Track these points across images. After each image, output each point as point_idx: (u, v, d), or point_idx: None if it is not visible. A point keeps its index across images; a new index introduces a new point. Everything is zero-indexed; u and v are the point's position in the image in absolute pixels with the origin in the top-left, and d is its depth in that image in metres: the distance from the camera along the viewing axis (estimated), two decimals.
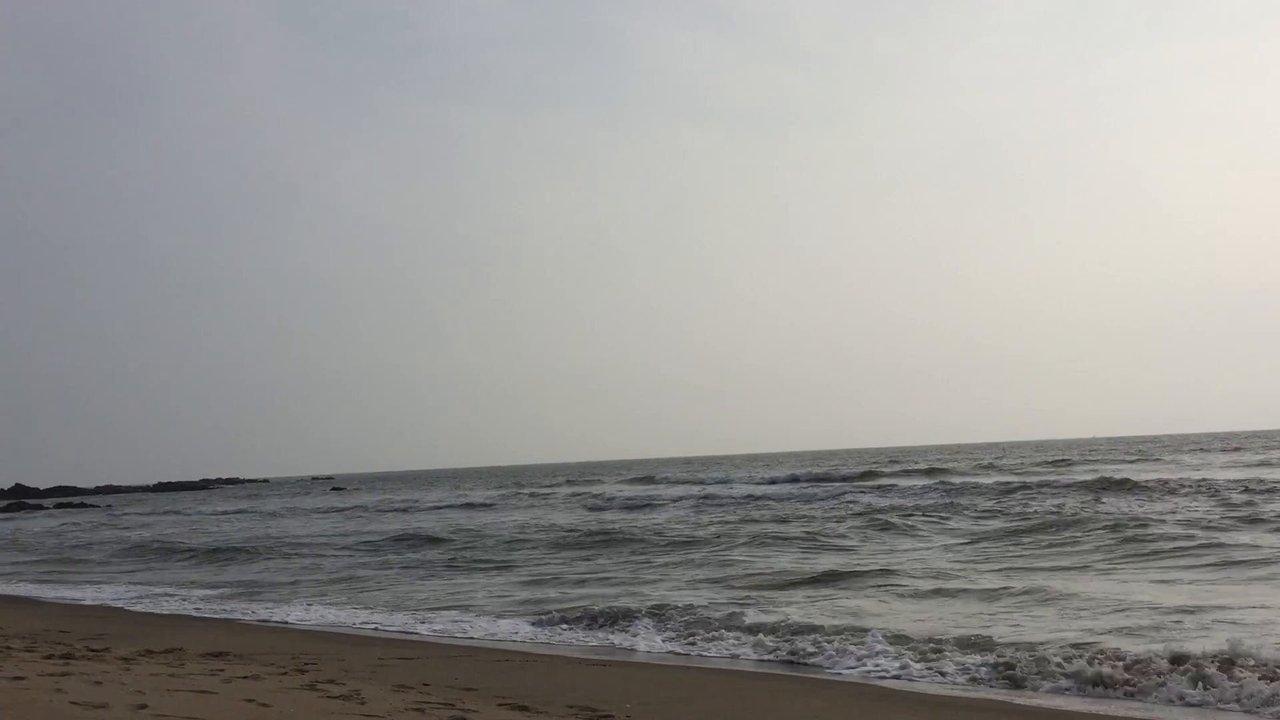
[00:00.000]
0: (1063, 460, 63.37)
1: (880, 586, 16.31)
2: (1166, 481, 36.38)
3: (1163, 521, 22.90)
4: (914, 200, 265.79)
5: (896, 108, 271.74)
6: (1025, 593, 14.71)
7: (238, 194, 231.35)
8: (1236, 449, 72.08)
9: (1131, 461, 60.10)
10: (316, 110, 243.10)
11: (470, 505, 51.06)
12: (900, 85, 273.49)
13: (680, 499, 44.17)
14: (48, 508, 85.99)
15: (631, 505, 42.51)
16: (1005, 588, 15.21)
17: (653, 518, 34.86)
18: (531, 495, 57.34)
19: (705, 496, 44.89)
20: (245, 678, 9.22)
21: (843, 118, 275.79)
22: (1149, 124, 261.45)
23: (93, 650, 11.07)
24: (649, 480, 68.57)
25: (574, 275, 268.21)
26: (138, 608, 18.45)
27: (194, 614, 17.40)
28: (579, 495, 54.19)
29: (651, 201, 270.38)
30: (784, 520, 29.94)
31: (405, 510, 50.24)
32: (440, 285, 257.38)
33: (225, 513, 57.48)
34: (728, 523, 29.92)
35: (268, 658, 11.08)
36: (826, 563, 19.54)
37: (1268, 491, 30.27)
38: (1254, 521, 22.53)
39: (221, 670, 9.70)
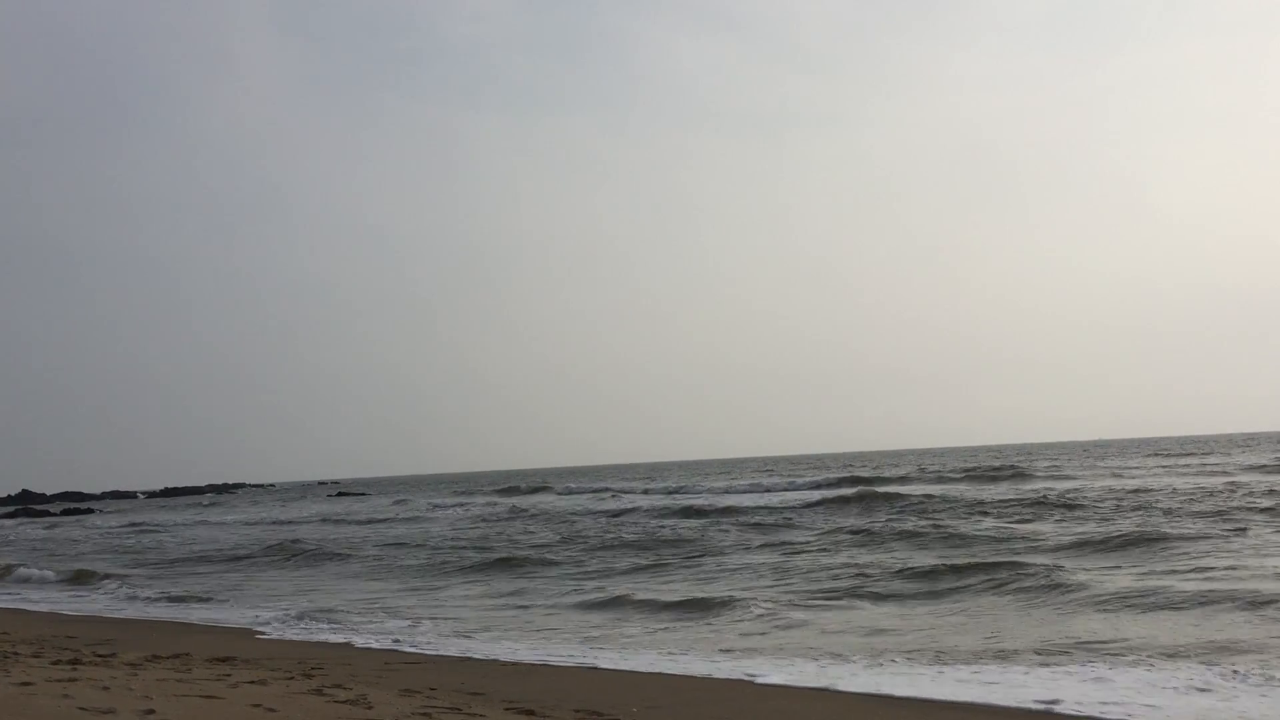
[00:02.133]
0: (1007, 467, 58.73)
1: None
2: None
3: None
4: (917, 202, 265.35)
5: (900, 109, 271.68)
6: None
7: (243, 199, 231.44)
8: (1204, 452, 71.73)
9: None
10: (321, 115, 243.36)
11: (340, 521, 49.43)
12: (904, 86, 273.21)
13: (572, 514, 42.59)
14: (54, 513, 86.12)
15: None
16: None
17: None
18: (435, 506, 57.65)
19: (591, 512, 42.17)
20: (252, 683, 9.24)
21: (847, 119, 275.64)
22: (1152, 124, 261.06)
23: (100, 656, 11.09)
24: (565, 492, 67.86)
25: (579, 278, 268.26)
26: None
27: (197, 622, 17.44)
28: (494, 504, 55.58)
29: (656, 204, 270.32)
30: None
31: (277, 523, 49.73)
32: (447, 289, 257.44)
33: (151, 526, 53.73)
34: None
35: (275, 663, 11.10)
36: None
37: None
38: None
39: (228, 675, 9.72)
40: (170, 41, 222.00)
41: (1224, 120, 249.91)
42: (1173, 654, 10.73)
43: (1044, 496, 34.11)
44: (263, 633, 15.14)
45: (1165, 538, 20.41)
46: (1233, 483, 36.46)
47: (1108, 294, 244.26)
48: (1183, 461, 59.93)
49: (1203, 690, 9.15)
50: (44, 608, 19.40)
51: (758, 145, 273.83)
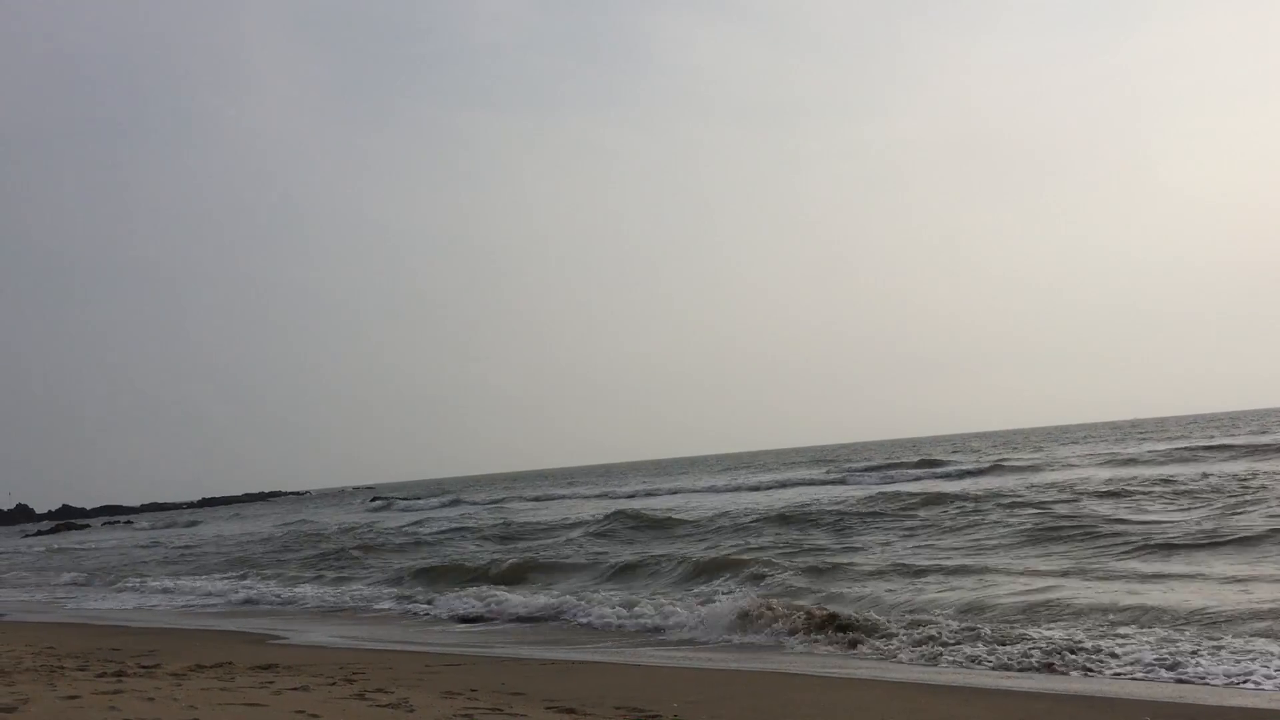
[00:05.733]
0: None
1: None
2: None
3: None
4: (932, 189, 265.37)
5: (916, 96, 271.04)
6: None
7: (262, 209, 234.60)
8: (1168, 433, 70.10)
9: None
10: (336, 120, 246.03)
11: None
12: (920, 74, 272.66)
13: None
14: (94, 526, 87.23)
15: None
16: None
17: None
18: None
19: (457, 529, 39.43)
20: (295, 689, 9.30)
21: (862, 107, 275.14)
22: (1168, 104, 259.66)
23: (144, 667, 11.19)
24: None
25: (594, 276, 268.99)
26: None
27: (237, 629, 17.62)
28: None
29: (670, 199, 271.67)
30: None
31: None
32: (461, 292, 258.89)
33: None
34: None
35: (316, 668, 11.18)
36: None
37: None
38: None
39: (271, 682, 9.80)
40: (183, 49, 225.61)
41: (1236, 98, 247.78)
42: None
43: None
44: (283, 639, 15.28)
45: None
46: (1112, 479, 33.37)
47: (1123, 276, 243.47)
48: (1145, 449, 54.00)
49: None
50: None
51: (771, 137, 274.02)
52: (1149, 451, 49.30)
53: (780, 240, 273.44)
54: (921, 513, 26.68)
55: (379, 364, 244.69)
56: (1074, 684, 9.36)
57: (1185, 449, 48.00)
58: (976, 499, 28.68)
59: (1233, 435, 60.39)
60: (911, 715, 8.19)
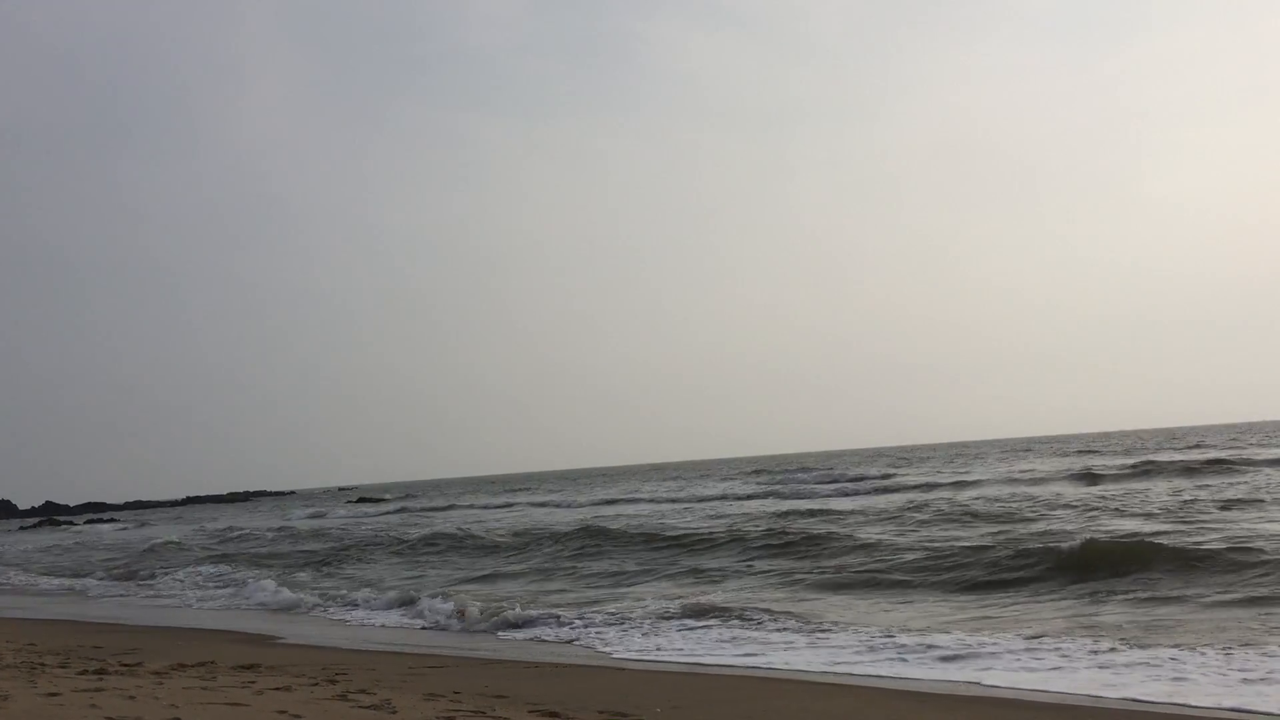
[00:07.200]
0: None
1: None
2: None
3: None
4: (923, 196, 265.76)
5: (910, 103, 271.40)
6: None
7: (252, 208, 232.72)
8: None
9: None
10: (330, 122, 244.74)
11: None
12: (915, 81, 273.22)
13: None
14: (77, 524, 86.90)
15: None
16: None
17: None
18: None
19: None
20: (277, 689, 9.28)
21: (856, 114, 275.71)
22: (1163, 112, 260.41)
23: (126, 665, 11.14)
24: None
25: (589, 279, 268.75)
26: None
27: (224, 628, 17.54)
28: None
29: (663, 204, 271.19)
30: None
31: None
32: (455, 294, 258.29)
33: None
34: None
35: (299, 669, 11.14)
36: None
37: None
38: None
39: (253, 682, 9.76)
40: (179, 50, 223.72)
41: (1226, 110, 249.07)
42: None
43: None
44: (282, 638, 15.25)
45: None
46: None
47: (1112, 286, 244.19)
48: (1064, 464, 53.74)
49: None
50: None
51: (764, 142, 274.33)
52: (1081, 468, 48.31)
53: (774, 245, 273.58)
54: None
55: (373, 365, 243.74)
56: (1043, 697, 9.39)
57: (1127, 465, 46.71)
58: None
59: (1200, 449, 60.38)
60: None
